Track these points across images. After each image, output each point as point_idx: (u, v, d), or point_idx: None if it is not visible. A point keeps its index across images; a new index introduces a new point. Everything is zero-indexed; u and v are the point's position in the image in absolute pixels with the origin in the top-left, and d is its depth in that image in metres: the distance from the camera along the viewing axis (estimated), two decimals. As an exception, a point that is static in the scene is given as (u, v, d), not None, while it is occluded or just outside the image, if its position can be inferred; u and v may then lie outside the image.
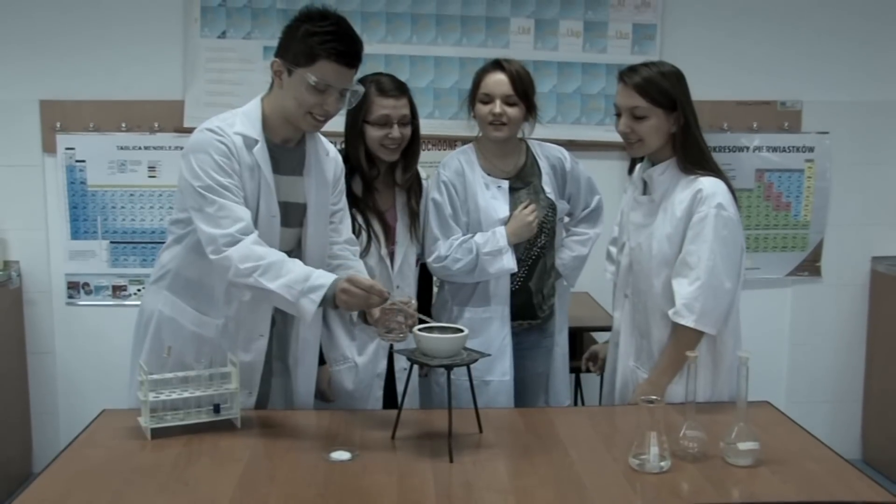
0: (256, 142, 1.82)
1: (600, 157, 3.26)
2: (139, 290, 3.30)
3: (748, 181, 3.43)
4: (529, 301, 2.36)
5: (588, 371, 2.37)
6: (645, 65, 1.97)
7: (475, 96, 2.29)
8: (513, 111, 2.25)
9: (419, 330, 1.70)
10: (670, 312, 1.92)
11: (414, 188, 2.32)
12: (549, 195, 2.36)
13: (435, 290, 2.55)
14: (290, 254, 1.82)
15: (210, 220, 1.75)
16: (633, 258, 2.06)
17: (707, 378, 1.96)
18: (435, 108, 3.30)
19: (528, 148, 2.41)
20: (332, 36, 1.74)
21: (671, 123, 1.95)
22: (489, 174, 2.34)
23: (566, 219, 2.49)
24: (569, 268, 2.46)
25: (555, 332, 2.46)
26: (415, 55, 3.27)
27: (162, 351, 1.86)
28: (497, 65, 2.27)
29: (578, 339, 2.87)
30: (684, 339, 1.90)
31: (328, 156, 2.00)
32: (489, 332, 2.32)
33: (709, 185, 1.91)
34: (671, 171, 1.98)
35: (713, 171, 1.96)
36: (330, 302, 1.71)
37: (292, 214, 1.93)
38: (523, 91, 2.25)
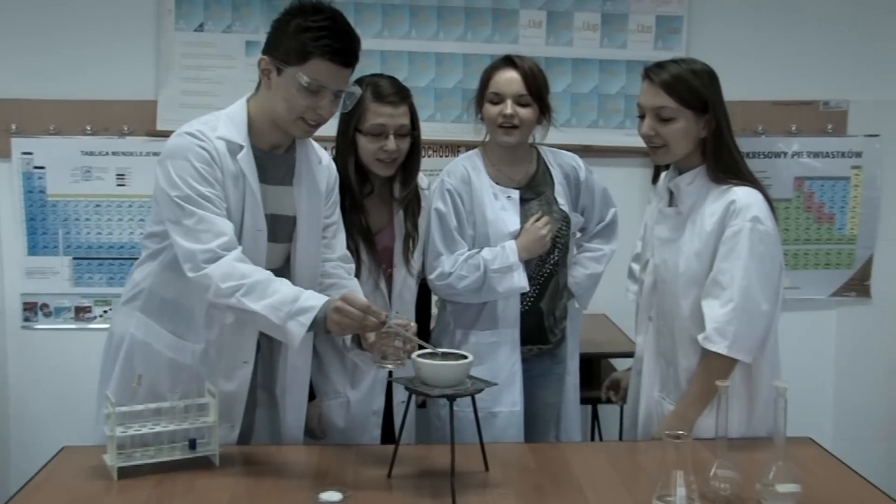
0: (241, 147, 1.85)
1: (620, 165, 3.29)
2: (106, 313, 3.33)
3: (786, 190, 3.46)
4: (540, 323, 2.39)
5: (609, 402, 2.38)
6: (674, 61, 2.00)
7: (483, 96, 2.32)
8: (525, 112, 2.28)
9: (419, 356, 1.72)
10: (700, 337, 1.93)
11: (412, 206, 2.33)
12: (562, 207, 2.39)
13: (434, 311, 2.57)
14: (277, 272, 1.84)
15: (188, 233, 1.77)
16: (657, 276, 2.08)
17: (741, 411, 1.98)
18: (436, 111, 3.33)
19: (539, 155, 2.44)
20: (326, 32, 1.76)
21: (701, 127, 1.97)
22: (498, 183, 2.37)
23: (578, 234, 2.52)
24: (582, 287, 2.48)
25: (566, 358, 2.49)
26: (414, 51, 3.31)
27: (133, 379, 1.87)
28: (508, 61, 2.30)
29: (595, 366, 2.89)
30: (715, 367, 1.92)
31: (321, 164, 2.03)
32: (497, 358, 2.35)
33: (743, 195, 1.93)
34: (700, 181, 2.00)
35: (748, 180, 1.98)
36: (321, 326, 1.73)
37: (280, 228, 1.95)
38: (537, 90, 2.28)
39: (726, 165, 1.97)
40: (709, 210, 1.96)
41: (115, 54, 3.24)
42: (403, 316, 2.11)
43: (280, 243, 1.96)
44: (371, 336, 1.80)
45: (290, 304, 1.72)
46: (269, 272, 1.79)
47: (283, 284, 1.77)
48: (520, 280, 2.31)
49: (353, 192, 2.22)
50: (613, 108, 3.39)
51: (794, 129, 3.44)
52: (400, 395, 2.36)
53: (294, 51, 1.77)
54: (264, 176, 1.89)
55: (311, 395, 2.20)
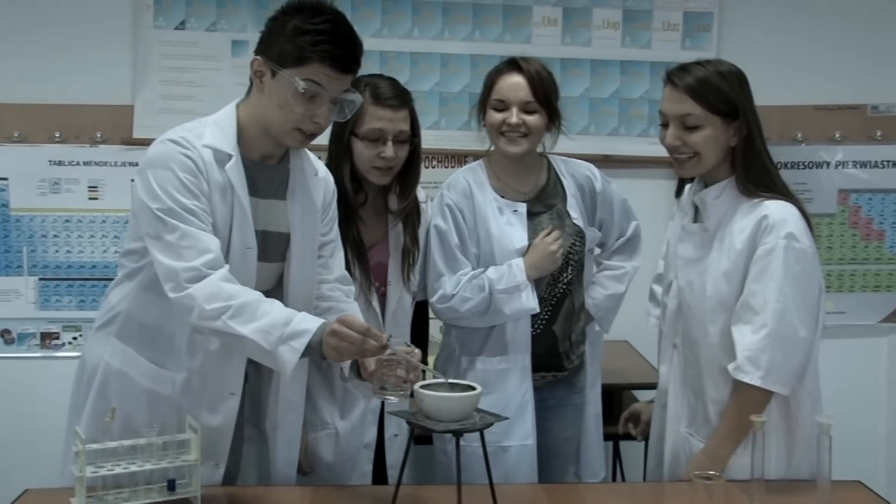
0: (230, 157, 1.87)
1: (643, 176, 3.30)
2: (75, 339, 3.34)
3: (829, 204, 3.47)
4: (554, 349, 2.41)
5: (628, 436, 2.39)
6: (699, 63, 2.02)
7: (486, 102, 2.35)
8: (533, 120, 2.31)
9: (422, 387, 1.74)
10: (730, 367, 1.94)
11: (411, 218, 2.36)
12: (575, 221, 2.41)
13: (437, 336, 2.59)
14: (269, 294, 1.86)
15: (170, 250, 1.79)
16: (682, 300, 2.10)
17: (780, 449, 1.98)
18: (441, 117, 3.36)
19: (549, 165, 2.47)
20: (327, 35, 1.79)
21: (731, 135, 1.99)
22: (503, 196, 2.40)
23: (597, 250, 2.54)
24: (602, 309, 2.50)
25: (585, 387, 2.50)
26: (417, 52, 3.34)
27: (106, 413, 1.87)
28: (513, 64, 2.33)
29: (616, 398, 2.90)
30: (749, 400, 1.93)
31: (317, 176, 2.05)
32: (506, 387, 2.36)
33: (776, 210, 1.95)
34: (729, 194, 2.02)
35: (782, 192, 2.00)
36: (315, 351, 1.75)
37: (272, 246, 1.97)
38: (545, 96, 2.31)
39: (758, 176, 1.99)
40: (738, 226, 1.98)
41: (87, 53, 3.26)
42: (401, 340, 2.14)
43: (272, 262, 1.98)
44: (371, 364, 1.81)
45: (282, 327, 1.74)
46: (258, 293, 1.81)
47: (275, 306, 1.79)
48: (528, 301, 2.33)
49: (347, 201, 2.25)
50: (636, 114, 3.41)
51: (838, 136, 3.45)
52: (392, 427, 2.38)
53: (291, 53, 1.80)
54: (255, 189, 1.92)
55: None
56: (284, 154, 1.99)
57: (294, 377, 1.92)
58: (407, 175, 2.33)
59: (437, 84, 3.36)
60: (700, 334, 2.04)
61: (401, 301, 2.36)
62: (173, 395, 1.93)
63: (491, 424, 1.74)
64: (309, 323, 1.75)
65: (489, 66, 2.45)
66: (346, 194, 2.24)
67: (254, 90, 1.90)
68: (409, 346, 1.81)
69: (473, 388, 1.75)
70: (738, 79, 2.00)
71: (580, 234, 2.42)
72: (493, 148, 2.41)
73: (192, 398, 1.93)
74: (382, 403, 2.31)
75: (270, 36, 1.85)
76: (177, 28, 3.29)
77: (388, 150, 2.23)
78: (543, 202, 2.42)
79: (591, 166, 2.52)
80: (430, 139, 3.16)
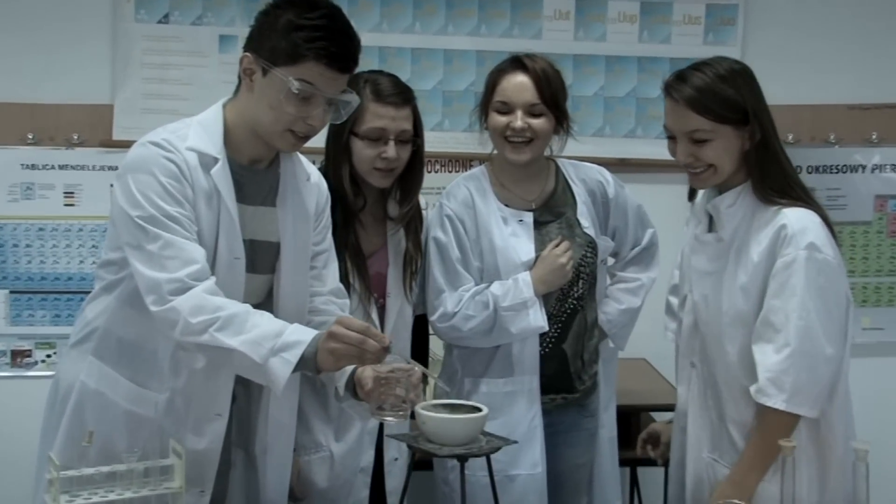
0: (216, 161, 1.88)
1: (662, 181, 3.29)
2: (49, 357, 3.34)
3: (865, 211, 3.47)
4: (565, 369, 2.41)
5: (647, 460, 2.39)
6: (696, 69, 2.00)
7: (489, 103, 2.36)
8: (539, 124, 2.32)
9: (423, 408, 1.74)
10: (752, 390, 1.94)
11: (413, 223, 2.38)
12: (586, 230, 2.42)
13: (437, 350, 2.59)
14: (258, 308, 1.87)
15: (152, 260, 1.80)
16: (697, 316, 2.10)
17: (811, 476, 1.98)
18: (444, 118, 3.37)
19: (557, 169, 2.47)
20: (323, 32, 1.80)
21: (744, 140, 1.99)
22: (507, 204, 2.40)
23: (610, 261, 2.55)
24: (616, 325, 2.51)
25: (599, 409, 2.50)
26: (418, 48, 3.35)
27: (83, 437, 1.87)
28: (517, 63, 2.35)
29: (633, 420, 2.90)
30: (774, 424, 1.92)
31: (309, 181, 2.06)
32: (513, 410, 2.36)
33: (796, 218, 1.94)
34: (745, 201, 2.02)
35: (801, 199, 2.00)
36: (309, 364, 1.75)
37: (262, 256, 1.98)
38: (552, 97, 2.32)
39: (775, 181, 1.99)
40: (755, 237, 1.98)
41: (62, 48, 3.27)
42: (401, 357, 2.14)
43: (261, 274, 1.99)
44: (368, 382, 1.82)
45: (274, 338, 1.75)
46: (246, 305, 1.82)
47: (265, 318, 1.80)
48: (536, 318, 2.33)
49: (346, 205, 2.27)
50: (654, 114, 3.38)
51: (874, 137, 3.45)
52: (392, 450, 2.38)
53: (284, 51, 1.81)
54: (242, 195, 1.93)
55: None
56: (274, 158, 2.00)
57: (285, 395, 1.93)
58: (408, 178, 2.35)
59: (440, 82, 3.37)
60: (718, 353, 2.04)
61: (401, 313, 2.37)
62: (155, 417, 1.94)
63: (498, 449, 1.74)
64: (302, 334, 1.76)
65: (496, 62, 2.46)
66: (344, 198, 2.26)
67: (242, 89, 1.91)
68: (409, 362, 1.81)
69: (479, 410, 1.75)
70: (742, 78, 1.99)
71: (592, 245, 2.42)
72: (495, 152, 2.42)
73: (175, 420, 1.94)
74: (381, 425, 2.32)
75: (261, 31, 1.86)
76: (160, 21, 3.30)
77: (390, 150, 2.25)
78: (551, 210, 2.42)
79: (603, 170, 2.52)
80: (432, 141, 3.14)
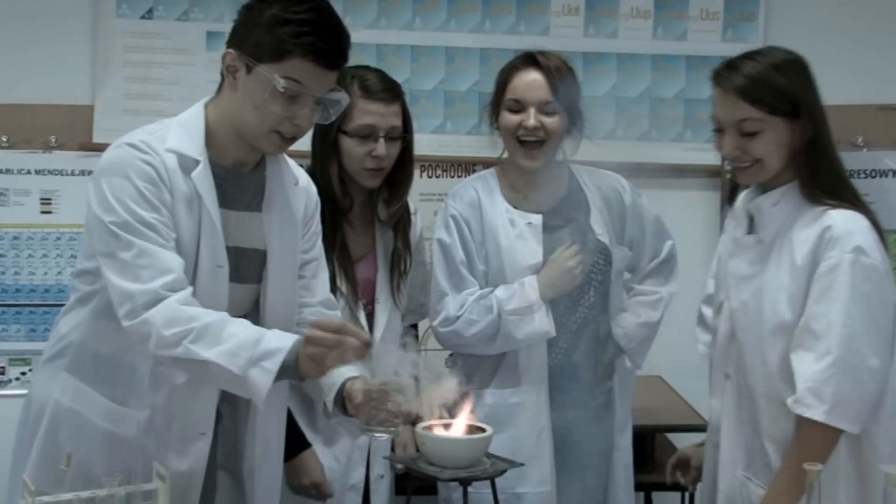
0: (197, 163, 1.88)
1: (678, 187, 3.31)
2: (24, 374, 3.34)
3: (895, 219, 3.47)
4: (575, 382, 2.41)
5: (677, 487, 2.37)
6: (748, 57, 2.01)
7: (500, 102, 2.38)
8: (552, 123, 2.34)
9: (423, 428, 1.74)
10: (790, 401, 1.92)
11: (402, 225, 2.41)
12: (599, 237, 2.43)
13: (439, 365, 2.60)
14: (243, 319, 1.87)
15: (125, 270, 1.79)
16: (735, 324, 2.08)
17: (850, 498, 1.96)
18: (446, 119, 3.37)
19: (571, 174, 2.49)
20: (310, 27, 1.80)
21: (795, 135, 1.98)
22: (516, 206, 2.42)
23: (627, 275, 2.54)
24: (633, 339, 2.50)
25: (614, 429, 2.50)
26: (419, 45, 3.36)
27: (58, 459, 1.85)
28: (530, 60, 2.37)
29: (648, 442, 2.89)
30: (813, 439, 1.91)
31: (297, 185, 2.06)
32: (519, 423, 2.37)
33: (842, 220, 1.93)
34: (790, 200, 2.01)
35: (850, 201, 1.99)
36: (291, 372, 1.75)
37: (247, 265, 1.97)
38: (566, 95, 2.34)
39: (824, 181, 1.98)
40: (798, 237, 1.96)
41: (39, 46, 3.27)
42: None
43: (246, 283, 1.98)
44: (358, 395, 1.81)
45: (252, 347, 1.74)
46: (224, 313, 1.82)
47: (242, 325, 1.80)
48: (542, 323, 2.34)
49: (334, 206, 2.30)
50: (670, 115, 3.41)
51: (906, 140, 3.45)
52: (379, 467, 2.41)
53: (269, 46, 1.81)
54: (226, 199, 1.92)
55: (307, 443, 2.26)
56: (260, 161, 1.99)
57: (273, 413, 1.93)
58: (397, 176, 2.38)
59: (441, 82, 3.37)
60: (757, 363, 2.02)
61: (390, 321, 2.40)
62: (135, 437, 1.92)
63: (504, 472, 1.74)
64: (281, 340, 1.76)
65: (501, 61, 2.47)
66: (332, 198, 2.29)
67: (225, 87, 1.91)
68: (400, 374, 1.81)
69: (483, 430, 1.75)
70: (796, 69, 2.00)
71: (605, 252, 2.43)
72: (506, 154, 2.43)
73: (156, 440, 1.93)
74: (373, 445, 2.34)
75: (245, 26, 1.86)
76: (143, 17, 3.30)
77: (380, 147, 2.29)
78: (563, 215, 2.43)
79: (619, 177, 2.53)
80: (434, 145, 3.18)
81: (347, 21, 1.90)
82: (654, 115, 3.41)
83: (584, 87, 2.45)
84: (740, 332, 2.07)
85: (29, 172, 3.30)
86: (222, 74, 1.91)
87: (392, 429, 1.78)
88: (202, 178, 1.88)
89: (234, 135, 1.91)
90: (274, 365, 1.73)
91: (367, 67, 2.40)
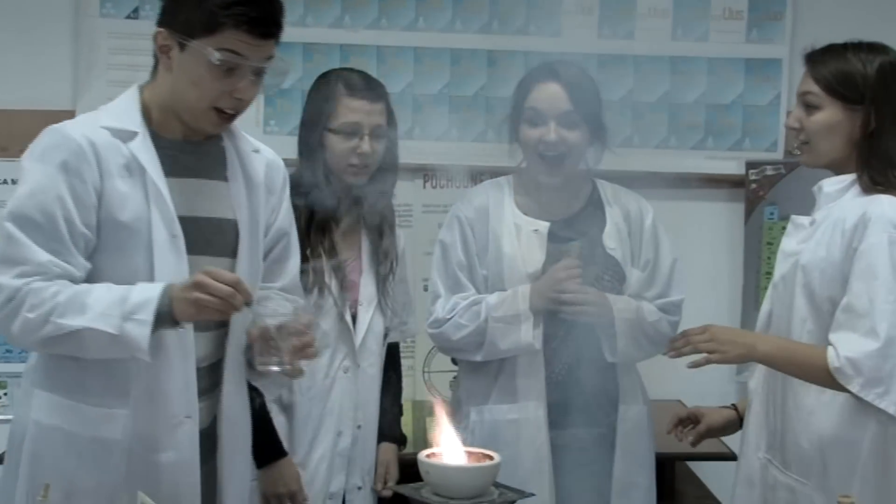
0: (135, 134, 1.94)
1: (699, 198, 3.31)
2: (5, 395, 3.32)
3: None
4: (578, 400, 2.43)
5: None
6: (849, 45, 2.12)
7: (519, 115, 2.45)
8: (573, 136, 2.40)
9: (427, 456, 1.76)
10: (829, 361, 1.98)
11: (386, 226, 2.52)
12: (611, 251, 2.46)
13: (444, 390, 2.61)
14: None
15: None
16: (773, 301, 2.19)
17: (869, 482, 2.03)
18: (451, 126, 3.38)
19: (594, 187, 2.53)
20: None
21: (854, 124, 2.08)
22: (526, 213, 2.48)
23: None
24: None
25: (615, 454, 2.50)
26: (422, 47, 3.37)
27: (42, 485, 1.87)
28: (549, 71, 2.42)
29: (668, 470, 2.90)
30: (824, 376, 2.00)
31: (258, 153, 2.11)
32: (518, 441, 2.42)
33: (887, 203, 2.02)
34: (848, 189, 2.11)
35: None
36: (167, 319, 1.81)
37: (212, 237, 2.01)
38: (587, 106, 2.40)
39: (876, 171, 2.07)
40: (842, 218, 2.05)
41: (17, 48, 3.30)
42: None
43: (213, 256, 2.00)
44: (254, 332, 1.88)
45: (121, 304, 1.81)
46: (86, 284, 1.87)
47: (105, 288, 1.85)
48: (527, 335, 2.38)
49: (321, 206, 2.40)
50: (690, 122, 3.41)
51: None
52: (356, 477, 2.47)
53: (199, 21, 1.87)
54: (177, 167, 1.97)
55: (276, 454, 2.33)
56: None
57: (234, 394, 2.02)
58: (382, 176, 2.49)
59: (446, 86, 3.38)
60: (786, 335, 2.12)
61: (371, 325, 2.50)
62: (122, 439, 1.94)
63: (513, 502, 1.75)
64: (150, 291, 1.82)
65: (509, 64, 2.50)
66: (319, 198, 2.39)
67: (160, 69, 1.97)
68: (308, 313, 1.91)
69: (491, 458, 1.77)
70: (881, 67, 2.09)
71: (615, 269, 2.46)
72: (524, 164, 2.49)
73: (143, 435, 1.95)
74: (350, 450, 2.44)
75: (175, 3, 1.94)
76: (129, 17, 3.33)
77: (365, 145, 2.41)
78: (574, 226, 2.48)
79: (643, 201, 2.55)
80: (437, 153, 3.19)
81: (345, 20, 1.93)
82: (674, 121, 3.42)
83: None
84: (776, 306, 2.18)
85: (6, 182, 3.33)
86: (155, 56, 1.97)
87: (287, 365, 1.87)
88: (141, 146, 1.94)
89: (171, 115, 1.98)
90: (148, 315, 1.80)
91: (349, 69, 2.57)
